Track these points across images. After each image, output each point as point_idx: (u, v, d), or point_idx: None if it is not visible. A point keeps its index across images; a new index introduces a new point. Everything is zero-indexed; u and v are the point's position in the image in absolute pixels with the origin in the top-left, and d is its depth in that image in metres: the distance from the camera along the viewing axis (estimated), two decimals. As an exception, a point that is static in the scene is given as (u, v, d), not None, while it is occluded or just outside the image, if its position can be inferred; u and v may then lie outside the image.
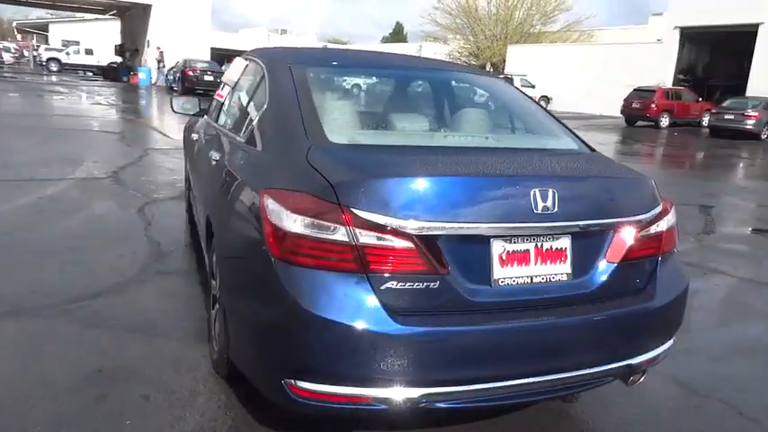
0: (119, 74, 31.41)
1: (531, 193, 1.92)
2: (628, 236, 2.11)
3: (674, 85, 26.56)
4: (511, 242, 1.95)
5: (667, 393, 2.85)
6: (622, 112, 23.86)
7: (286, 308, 1.84)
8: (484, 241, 1.92)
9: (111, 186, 6.46)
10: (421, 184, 1.87)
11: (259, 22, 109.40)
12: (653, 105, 22.63)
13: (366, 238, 1.80)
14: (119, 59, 34.60)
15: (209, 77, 23.41)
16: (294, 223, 1.85)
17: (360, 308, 1.80)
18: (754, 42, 23.99)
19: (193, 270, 4.08)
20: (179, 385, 2.64)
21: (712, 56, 28.55)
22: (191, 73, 23.51)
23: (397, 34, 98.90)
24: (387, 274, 1.82)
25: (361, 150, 2.19)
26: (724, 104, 21.06)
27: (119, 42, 38.57)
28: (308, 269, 1.83)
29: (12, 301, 3.35)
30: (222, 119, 3.39)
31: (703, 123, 23.32)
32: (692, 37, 27.10)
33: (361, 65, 3.17)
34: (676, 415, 2.70)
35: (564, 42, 38.36)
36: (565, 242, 2.03)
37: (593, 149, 2.61)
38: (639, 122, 23.53)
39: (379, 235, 1.80)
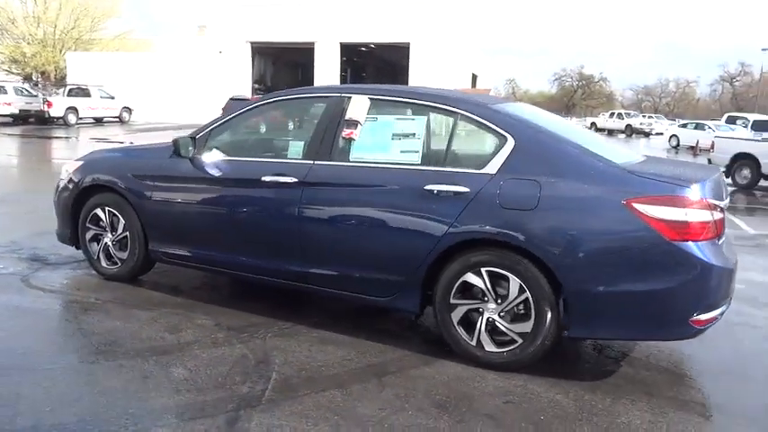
0: None
1: (722, 182, 3.45)
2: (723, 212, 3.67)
3: (252, 93, 29.68)
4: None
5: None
6: (223, 119, 25.47)
7: (696, 268, 2.87)
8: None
9: None
10: (710, 182, 3.15)
11: None
12: (251, 112, 25.02)
13: (716, 216, 3.01)
14: None
15: None
16: (688, 216, 2.89)
17: (722, 257, 3.02)
18: (313, 57, 29.21)
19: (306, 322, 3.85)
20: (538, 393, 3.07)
21: (276, 67, 33.09)
22: None
23: None
24: (717, 236, 3.06)
25: (648, 164, 3.25)
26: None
27: None
28: (698, 241, 2.90)
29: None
30: (376, 156, 3.51)
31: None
32: (260, 50, 30.78)
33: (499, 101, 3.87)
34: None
35: (118, 51, 37.24)
36: None
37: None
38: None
39: (717, 213, 3.03)
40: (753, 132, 21.42)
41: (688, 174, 3.24)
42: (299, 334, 3.64)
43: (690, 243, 2.89)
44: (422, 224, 3.29)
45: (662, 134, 35.20)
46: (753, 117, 26.19)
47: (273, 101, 4.05)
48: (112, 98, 27.92)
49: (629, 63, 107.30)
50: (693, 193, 2.95)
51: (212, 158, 3.97)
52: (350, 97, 3.66)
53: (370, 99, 3.65)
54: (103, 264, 4.48)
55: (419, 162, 3.45)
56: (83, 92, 26.17)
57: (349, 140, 3.59)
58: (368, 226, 3.47)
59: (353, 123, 3.58)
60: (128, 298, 4.15)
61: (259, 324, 3.77)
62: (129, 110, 29.04)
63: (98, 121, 26.91)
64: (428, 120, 3.55)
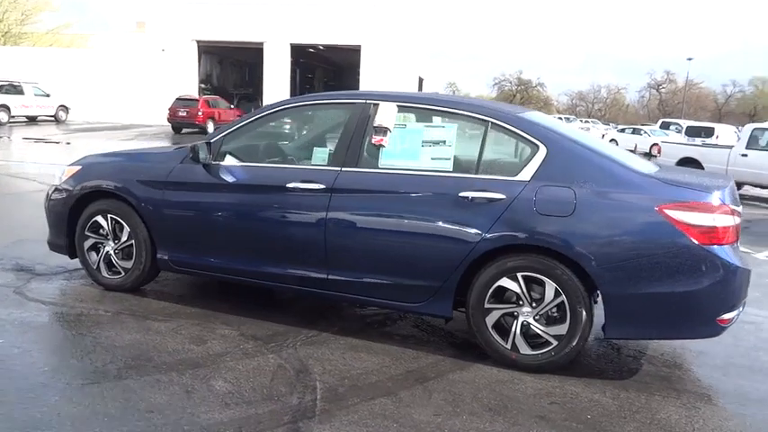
0: None
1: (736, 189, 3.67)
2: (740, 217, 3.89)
3: (199, 93, 28.93)
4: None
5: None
6: (169, 120, 24.70)
7: (723, 270, 3.04)
8: None
9: None
10: (728, 189, 3.35)
11: None
12: (199, 113, 24.36)
13: (736, 220, 3.21)
14: None
15: None
16: (715, 221, 3.07)
17: (742, 259, 3.21)
18: (262, 57, 28.74)
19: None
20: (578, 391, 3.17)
21: (223, 66, 32.36)
22: None
23: None
24: (736, 240, 3.27)
25: (667, 172, 3.41)
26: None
27: None
28: (723, 245, 3.09)
29: None
30: (407, 163, 3.53)
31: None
32: (207, 49, 29.99)
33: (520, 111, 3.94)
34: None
35: (52, 46, 35.43)
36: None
37: None
38: (186, 129, 24.80)
39: (736, 217, 3.23)
40: (687, 138, 22.71)
41: (708, 181, 3.44)
42: (328, 342, 3.62)
43: (716, 246, 3.08)
44: (457, 230, 3.34)
45: (599, 138, 36.78)
46: (686, 123, 27.77)
47: (294, 106, 4.00)
48: (48, 96, 26.44)
49: (562, 69, 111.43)
50: (718, 199, 3.14)
51: (230, 164, 3.89)
52: (377, 104, 3.67)
53: (398, 106, 3.67)
54: (104, 273, 4.29)
55: (451, 169, 3.50)
56: (15, 89, 24.68)
57: (378, 147, 3.59)
58: (400, 232, 3.48)
59: (382, 130, 3.59)
60: (137, 309, 3.99)
61: (284, 333, 3.72)
62: (65, 108, 27.54)
63: (32, 120, 25.49)
64: (458, 127, 3.60)
